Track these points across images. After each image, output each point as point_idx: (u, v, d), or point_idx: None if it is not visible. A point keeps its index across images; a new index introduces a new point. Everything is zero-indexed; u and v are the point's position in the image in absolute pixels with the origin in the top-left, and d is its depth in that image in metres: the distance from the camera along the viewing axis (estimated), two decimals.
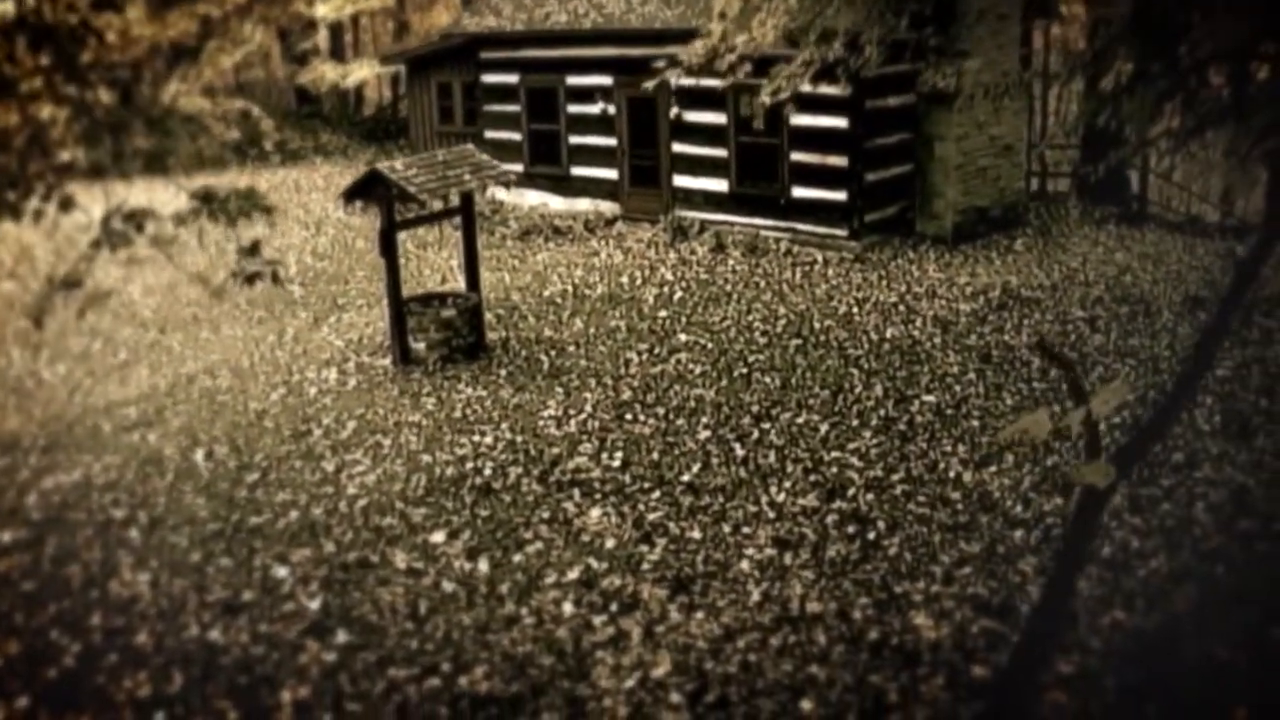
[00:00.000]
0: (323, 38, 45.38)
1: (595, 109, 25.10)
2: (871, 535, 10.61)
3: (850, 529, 10.74)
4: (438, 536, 10.94)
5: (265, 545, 10.93)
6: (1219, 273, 19.76)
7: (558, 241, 23.92)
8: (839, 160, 21.57)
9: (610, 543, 10.66)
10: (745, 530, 10.80)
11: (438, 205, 17.78)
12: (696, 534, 10.76)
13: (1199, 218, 26.41)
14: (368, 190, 15.76)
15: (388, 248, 15.76)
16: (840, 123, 21.32)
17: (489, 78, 27.29)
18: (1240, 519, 10.81)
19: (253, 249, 7.65)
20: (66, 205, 7.27)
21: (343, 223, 26.55)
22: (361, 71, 38.06)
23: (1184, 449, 12.36)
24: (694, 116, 23.34)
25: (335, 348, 17.25)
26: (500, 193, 26.96)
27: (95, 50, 7.87)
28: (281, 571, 10.40)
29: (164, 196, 28.35)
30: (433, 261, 22.62)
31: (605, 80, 24.71)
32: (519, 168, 26.71)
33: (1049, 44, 31.00)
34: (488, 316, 18.24)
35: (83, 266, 7.80)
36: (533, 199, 26.69)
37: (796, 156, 22.08)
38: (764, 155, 22.53)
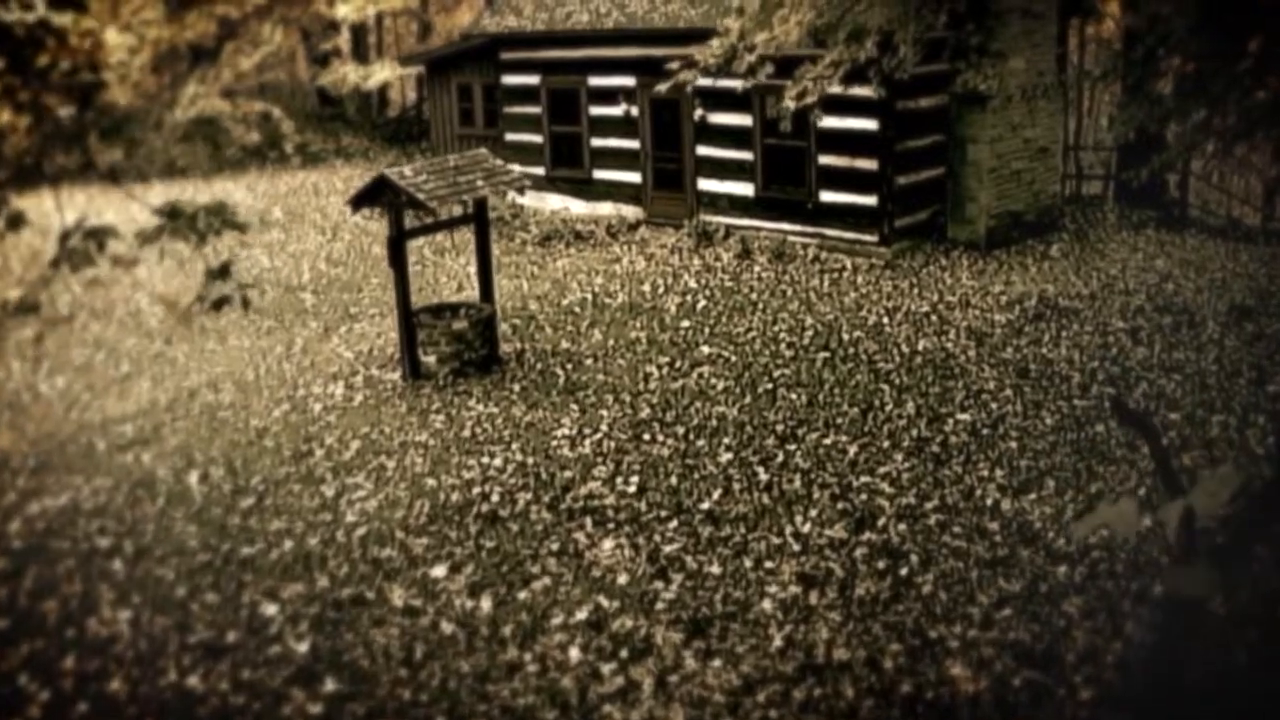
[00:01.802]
0: (346, 39, 44.86)
1: (618, 111, 24.41)
2: (904, 571, 9.87)
3: (881, 564, 10.01)
4: (439, 570, 10.25)
5: (255, 579, 10.26)
6: (1265, 280, 18.92)
7: (579, 247, 23.23)
8: (869, 164, 20.82)
9: (623, 578, 9.95)
10: (768, 565, 10.07)
11: (457, 210, 17.13)
12: (715, 569, 10.04)
13: (1240, 221, 25.53)
14: (376, 197, 15.10)
15: (397, 257, 15.10)
16: (870, 125, 20.57)
17: (509, 79, 26.63)
18: None
19: (222, 271, 6.96)
20: (15, 223, 6.58)
21: (360, 227, 25.92)
22: (383, 73, 37.46)
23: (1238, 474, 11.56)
24: (719, 118, 22.61)
25: (344, 360, 16.60)
26: (521, 197, 26.32)
27: (54, 52, 7.19)
28: (270, 609, 9.73)
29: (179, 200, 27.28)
30: (449, 268, 21.98)
31: (628, 81, 24.01)
32: (540, 171, 26.09)
33: (1084, 43, 30.15)
34: (503, 327, 17.57)
35: (40, 288, 7.13)
36: (554, 203, 26.02)
37: (825, 160, 21.34)
38: (791, 158, 21.79)
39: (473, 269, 21.25)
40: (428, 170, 15.09)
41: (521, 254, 22.98)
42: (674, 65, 13.55)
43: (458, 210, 17.06)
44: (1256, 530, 7.18)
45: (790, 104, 13.30)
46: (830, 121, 20.65)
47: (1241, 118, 11.48)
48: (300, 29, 46.50)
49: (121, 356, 17.52)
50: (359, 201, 15.41)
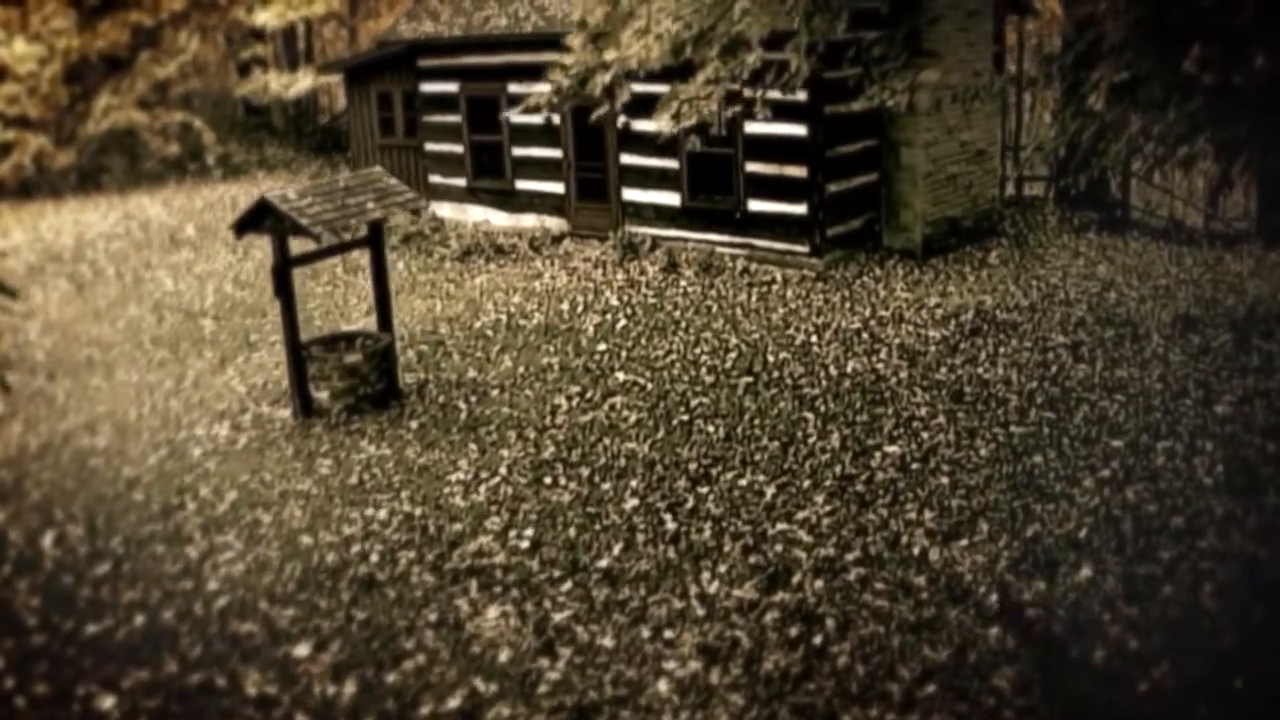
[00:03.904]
0: (274, 47, 43.56)
1: (539, 119, 23.28)
2: (818, 639, 8.85)
3: (793, 631, 8.99)
4: (302, 649, 9.16)
5: (95, 665, 9.13)
6: (1209, 287, 18.06)
7: (500, 262, 22.15)
8: (798, 171, 19.86)
9: (505, 655, 8.89)
10: (667, 634, 9.04)
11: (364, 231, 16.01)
12: (608, 641, 8.99)
13: (1182, 222, 24.76)
14: (258, 221, 13.97)
15: (282, 286, 13.97)
16: (798, 130, 19.61)
17: (428, 87, 25.53)
18: (1256, 606, 9.08)
19: None
20: None
21: None
22: (304, 82, 36.18)
23: (1184, 510, 10.64)
24: (642, 125, 21.51)
25: (236, 395, 15.46)
26: (443, 209, 25.27)
27: None
28: (106, 702, 8.61)
29: (92, 217, 26.02)
30: (361, 288, 20.80)
31: (549, 88, 22.88)
32: (461, 182, 25.08)
33: (1023, 41, 29.34)
34: (409, 354, 16.49)
35: None
36: (476, 215, 24.94)
37: (752, 167, 20.36)
38: (718, 166, 20.78)
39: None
40: (314, 192, 13.99)
41: (439, 271, 21.88)
42: (528, 91, 12.27)
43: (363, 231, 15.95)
44: None
45: (665, 129, 12.11)
46: (757, 127, 19.69)
47: (1183, 121, 10.62)
48: (226, 37, 45.19)
49: None
50: (242, 226, 14.29)
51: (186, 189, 33.71)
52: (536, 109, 12.25)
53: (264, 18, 36.54)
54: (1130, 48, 8.02)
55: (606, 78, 11.02)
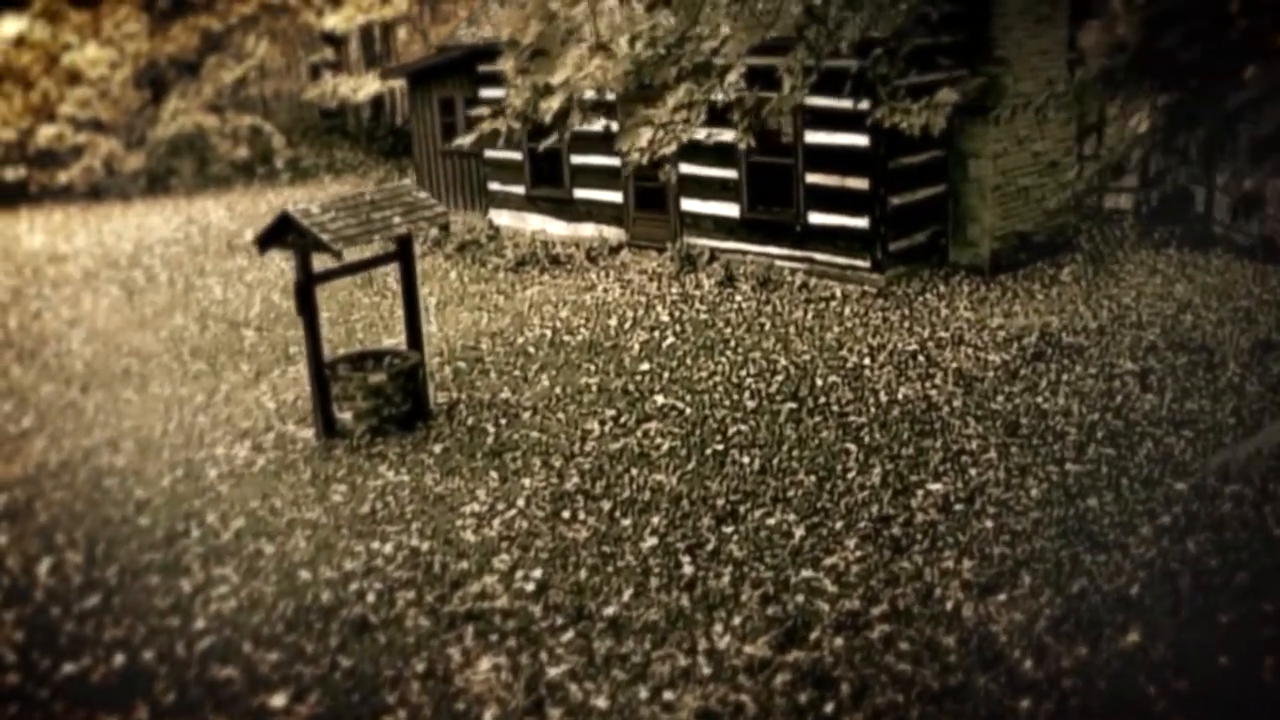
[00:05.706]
0: (347, 51, 43.41)
1: (598, 125, 22.68)
2: (829, 708, 8.10)
3: (803, 697, 8.24)
4: (278, 699, 8.59)
5: (66, 709, 8.64)
6: None
7: (554, 273, 21.57)
8: (859, 183, 19.04)
9: (490, 713, 8.25)
10: (667, 695, 8.33)
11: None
12: (602, 701, 8.31)
13: (1270, 238, 23.45)
14: (280, 236, 13.49)
15: (305, 304, 13.46)
16: (860, 140, 18.79)
17: (487, 92, 24.94)
18: None
19: None
20: None
21: None
22: (371, 86, 35.93)
23: (1250, 566, 9.73)
24: (700, 132, 20.79)
25: (264, 412, 14.99)
26: (502, 217, 24.80)
27: None
28: None
29: (156, 220, 25.72)
30: None
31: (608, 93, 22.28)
32: (520, 190, 24.57)
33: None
34: (445, 371, 15.95)
35: None
36: (534, 224, 24.40)
37: (813, 178, 19.58)
38: (778, 177, 20.04)
39: (433, 300, 19.71)
40: (338, 207, 13.47)
41: (491, 281, 21.34)
42: (482, 111, 11.47)
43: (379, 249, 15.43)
44: None
45: (636, 154, 11.32)
46: (818, 137, 18.98)
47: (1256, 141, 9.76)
48: (300, 41, 45.17)
49: (30, 407, 16.01)
50: (265, 241, 13.83)
51: (253, 193, 33.61)
52: (489, 137, 11.16)
53: (333, 21, 36.36)
54: (1137, 80, 7.23)
55: (555, 103, 10.20)
